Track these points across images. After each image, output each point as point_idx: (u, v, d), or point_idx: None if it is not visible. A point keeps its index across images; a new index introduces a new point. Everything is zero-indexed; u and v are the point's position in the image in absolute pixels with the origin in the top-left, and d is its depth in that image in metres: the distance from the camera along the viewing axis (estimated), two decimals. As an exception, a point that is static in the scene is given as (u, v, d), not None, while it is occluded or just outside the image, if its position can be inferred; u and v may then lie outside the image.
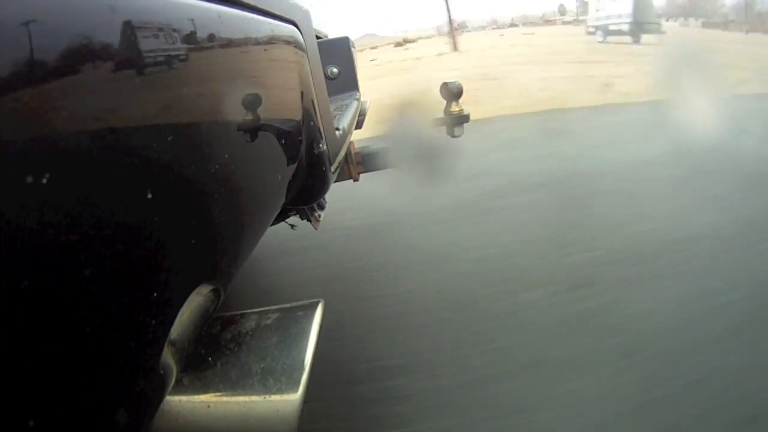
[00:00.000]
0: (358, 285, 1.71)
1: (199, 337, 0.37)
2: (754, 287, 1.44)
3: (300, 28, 0.66)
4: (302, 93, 0.61)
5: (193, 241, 0.33)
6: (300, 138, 0.60)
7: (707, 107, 3.06)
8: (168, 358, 0.31)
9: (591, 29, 15.20)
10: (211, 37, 0.37)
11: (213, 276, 0.37)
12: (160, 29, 0.30)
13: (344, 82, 1.44)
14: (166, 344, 0.30)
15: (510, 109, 4.88)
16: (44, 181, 0.19)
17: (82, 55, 0.22)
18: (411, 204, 2.30)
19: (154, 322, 0.28)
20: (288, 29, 0.61)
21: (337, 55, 1.43)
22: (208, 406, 0.35)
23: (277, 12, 0.57)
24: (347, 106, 1.26)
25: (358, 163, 1.26)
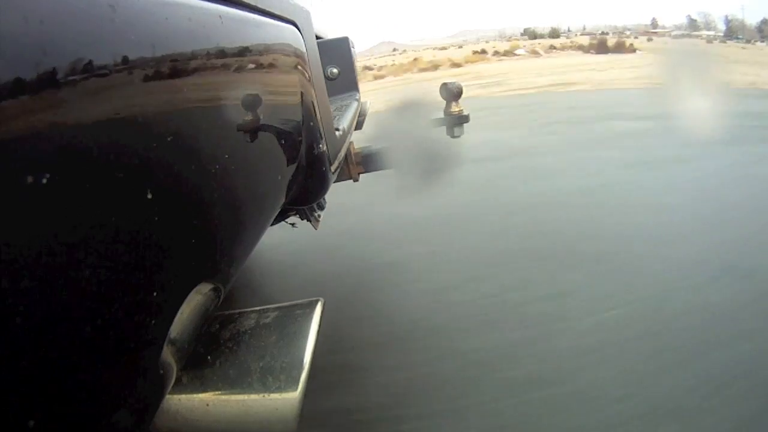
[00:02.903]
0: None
1: (198, 336, 0.37)
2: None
3: (300, 28, 0.66)
4: (302, 93, 0.61)
5: (193, 241, 0.33)
6: (300, 138, 0.60)
7: None
8: (167, 356, 0.32)
9: None
10: (212, 38, 0.37)
11: (213, 275, 0.37)
12: (161, 29, 0.30)
13: (344, 82, 1.44)
14: (165, 343, 0.30)
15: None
16: (44, 181, 0.20)
17: (81, 55, 0.22)
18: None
19: (153, 321, 0.28)
20: (288, 30, 0.61)
21: (337, 56, 1.43)
22: (207, 405, 0.35)
23: (277, 12, 0.57)
24: (347, 106, 1.26)
25: (358, 164, 1.26)
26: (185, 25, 0.33)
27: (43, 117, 0.20)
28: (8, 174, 0.18)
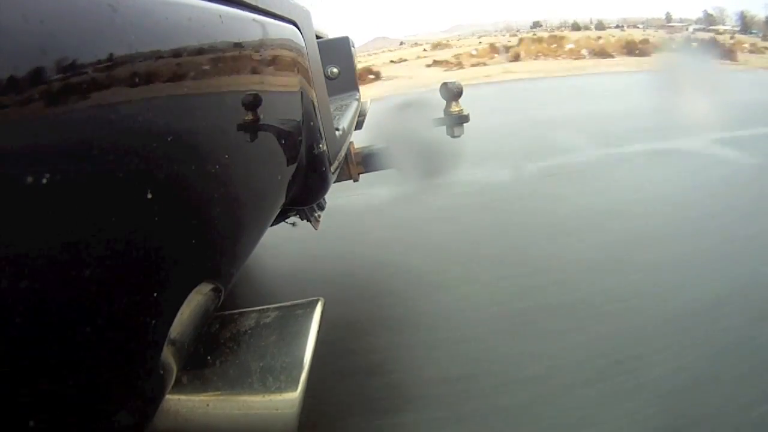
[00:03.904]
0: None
1: (198, 336, 0.37)
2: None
3: (300, 28, 0.66)
4: (302, 93, 0.61)
5: (194, 241, 0.33)
6: (300, 138, 0.60)
7: None
8: (168, 357, 0.32)
9: None
10: (212, 37, 0.37)
11: (213, 275, 0.37)
12: (161, 29, 0.30)
13: (344, 82, 1.44)
14: (165, 343, 0.30)
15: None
16: (44, 181, 0.19)
17: (82, 55, 0.22)
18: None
19: (154, 321, 0.28)
20: (288, 29, 0.61)
21: (337, 55, 1.43)
22: (208, 405, 0.35)
23: (277, 12, 0.57)
24: (347, 106, 1.26)
25: (358, 164, 1.26)
26: (185, 24, 0.33)
27: (44, 117, 0.20)
28: (8, 174, 0.18)
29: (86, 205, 0.23)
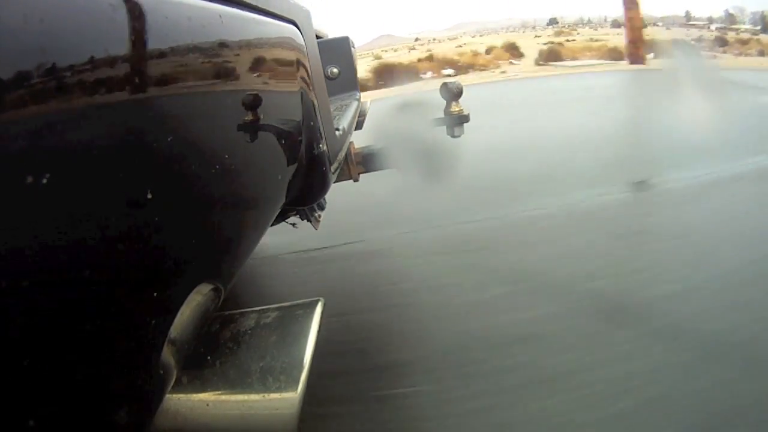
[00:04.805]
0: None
1: (198, 336, 0.37)
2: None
3: (300, 28, 0.66)
4: (302, 93, 0.61)
5: (194, 241, 0.33)
6: (300, 138, 0.60)
7: None
8: (168, 357, 0.32)
9: None
10: (211, 37, 0.37)
11: (213, 275, 0.37)
12: (161, 29, 0.30)
13: (344, 82, 1.44)
14: (165, 343, 0.30)
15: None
16: (44, 181, 0.19)
17: (81, 54, 0.22)
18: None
19: (154, 321, 0.28)
20: (288, 29, 0.61)
21: (337, 55, 1.43)
22: (207, 405, 0.35)
23: (277, 12, 0.57)
24: (347, 106, 1.26)
25: (358, 164, 1.26)
26: (185, 24, 0.33)
27: (44, 117, 0.20)
28: (9, 174, 0.18)
29: (86, 205, 0.23)
